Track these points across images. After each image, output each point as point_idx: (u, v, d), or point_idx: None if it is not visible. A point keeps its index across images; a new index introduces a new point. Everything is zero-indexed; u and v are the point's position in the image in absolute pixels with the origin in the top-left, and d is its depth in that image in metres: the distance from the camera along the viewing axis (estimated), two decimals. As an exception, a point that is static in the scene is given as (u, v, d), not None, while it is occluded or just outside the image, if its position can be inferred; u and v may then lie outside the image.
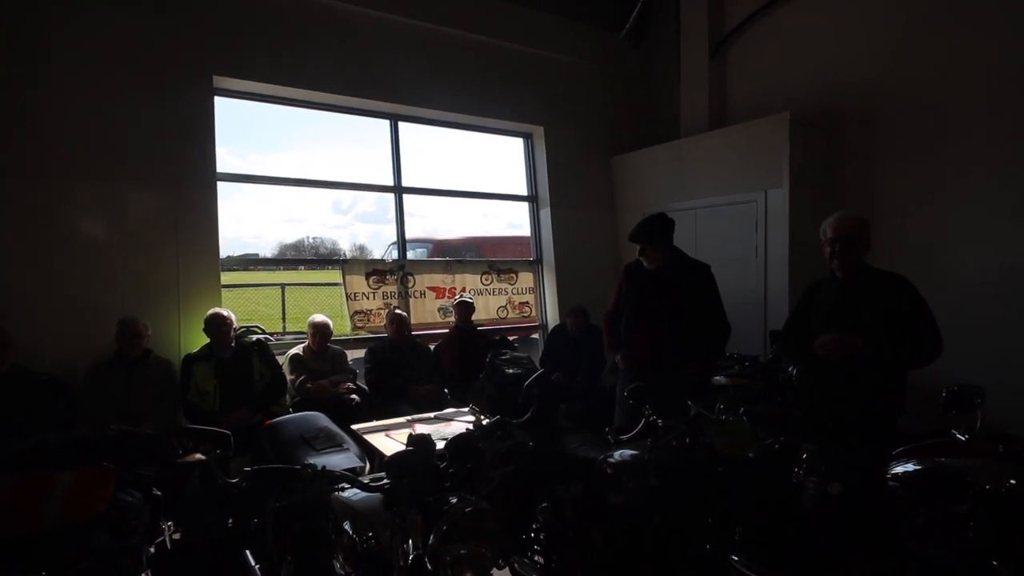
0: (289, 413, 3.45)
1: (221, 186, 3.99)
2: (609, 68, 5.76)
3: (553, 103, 5.41)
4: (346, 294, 4.54)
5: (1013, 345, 3.52)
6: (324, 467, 1.42)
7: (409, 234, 5.09)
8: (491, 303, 5.22)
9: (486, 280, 5.20)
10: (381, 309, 4.61)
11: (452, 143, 5.54)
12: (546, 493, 2.32)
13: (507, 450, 2.11)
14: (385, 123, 4.85)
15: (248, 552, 2.11)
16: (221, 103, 4.06)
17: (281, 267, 6.65)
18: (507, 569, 2.31)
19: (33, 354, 3.14)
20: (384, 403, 3.78)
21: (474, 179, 6.12)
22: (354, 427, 3.02)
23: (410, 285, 4.80)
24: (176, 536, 2.55)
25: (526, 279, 5.45)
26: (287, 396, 3.71)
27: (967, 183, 3.78)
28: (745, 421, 1.92)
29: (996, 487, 1.64)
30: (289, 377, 3.75)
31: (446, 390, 4.08)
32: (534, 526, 2.36)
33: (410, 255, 5.45)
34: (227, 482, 1.36)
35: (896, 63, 4.11)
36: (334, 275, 4.66)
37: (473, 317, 4.57)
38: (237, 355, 3.49)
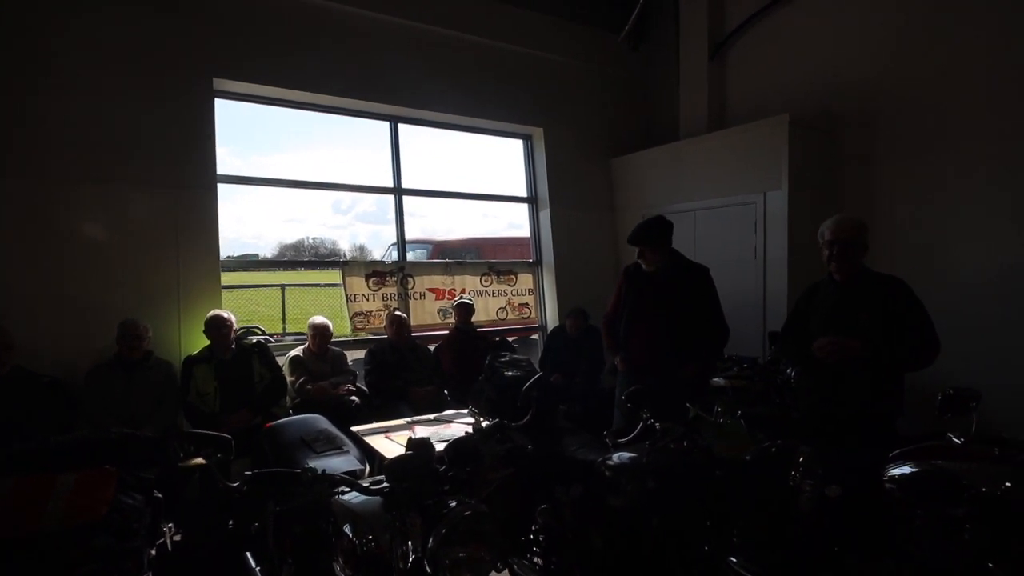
0: (289, 415, 3.46)
1: (221, 186, 4.00)
2: (608, 70, 5.77)
3: (552, 104, 5.42)
4: (346, 296, 4.55)
5: (1012, 346, 3.53)
6: (324, 471, 1.43)
7: (409, 235, 5.10)
8: (491, 304, 5.23)
9: (486, 281, 5.22)
10: (381, 311, 4.62)
11: (452, 144, 5.56)
12: (545, 495, 2.33)
13: (506, 453, 2.12)
14: (385, 125, 4.86)
15: (249, 554, 2.12)
16: (222, 104, 4.07)
17: (281, 268, 6.67)
18: (506, 571, 2.32)
19: (34, 355, 3.15)
20: (384, 405, 3.80)
21: (474, 180, 6.14)
22: (354, 429, 3.04)
23: (410, 287, 4.81)
24: (177, 538, 2.56)
25: (525, 280, 5.46)
26: (287, 398, 3.72)
27: (966, 184, 3.79)
28: (743, 424, 1.93)
29: (992, 490, 1.65)
30: (289, 379, 3.76)
31: (446, 391, 4.10)
32: (533, 528, 2.37)
33: (410, 256, 5.46)
34: (228, 486, 1.37)
35: (895, 65, 4.12)
36: (334, 276, 4.66)
37: (473, 318, 4.59)
38: (237, 357, 3.50)
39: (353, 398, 3.73)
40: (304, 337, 4.06)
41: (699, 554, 1.79)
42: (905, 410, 2.41)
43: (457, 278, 5.08)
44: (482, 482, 2.22)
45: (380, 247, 6.26)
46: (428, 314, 4.90)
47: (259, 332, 4.19)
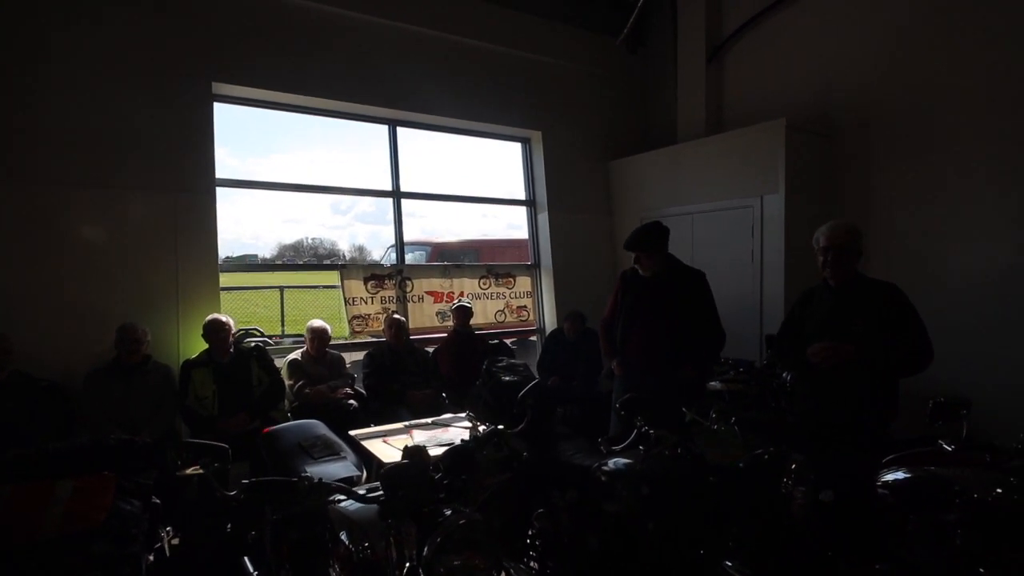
0: (288, 418, 3.48)
1: (220, 188, 4.01)
2: (606, 73, 5.79)
3: (551, 108, 5.44)
4: (344, 299, 4.56)
5: (1007, 351, 3.55)
6: (320, 479, 1.44)
7: (408, 235, 5.11)
8: (489, 307, 5.24)
9: (484, 284, 5.23)
10: (379, 314, 4.63)
11: (450, 147, 5.57)
12: (542, 500, 2.34)
13: (503, 459, 2.14)
14: (383, 128, 4.87)
15: (247, 559, 2.13)
16: (221, 104, 4.08)
17: (280, 268, 6.68)
18: (503, 574, 2.34)
19: (32, 360, 3.16)
20: (382, 408, 3.81)
21: (472, 183, 6.14)
22: (352, 433, 3.05)
23: (408, 290, 4.82)
24: (176, 541, 2.57)
25: (524, 283, 5.47)
26: (285, 401, 3.73)
27: (963, 188, 3.81)
28: (737, 431, 1.94)
29: (983, 496, 1.67)
30: (287, 382, 3.77)
31: (444, 394, 4.11)
32: (530, 532, 2.39)
33: (409, 258, 5.47)
34: (225, 495, 1.38)
35: (892, 69, 4.14)
36: (333, 277, 4.68)
37: (471, 321, 4.60)
38: (236, 360, 3.51)
39: (351, 402, 3.74)
40: (302, 339, 4.07)
41: (694, 558, 1.81)
42: (899, 415, 2.42)
43: (455, 281, 5.09)
44: (479, 487, 2.24)
45: (379, 247, 6.28)
46: (426, 317, 4.91)
47: (258, 334, 4.20)
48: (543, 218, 5.46)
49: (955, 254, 3.84)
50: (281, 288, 7.43)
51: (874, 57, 4.23)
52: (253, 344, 3.78)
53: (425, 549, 1.29)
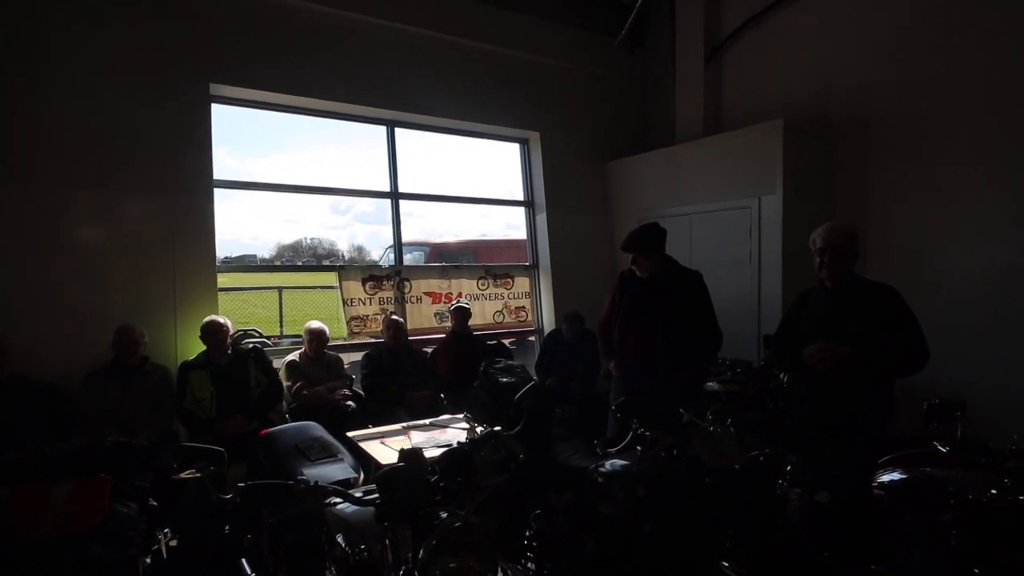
0: (286, 419, 3.48)
1: (218, 188, 4.01)
2: (605, 74, 5.79)
3: (549, 108, 5.44)
4: (342, 300, 4.56)
5: (1002, 352, 3.56)
6: (316, 482, 1.45)
7: (407, 236, 5.11)
8: (487, 308, 5.25)
9: (482, 285, 5.23)
10: (378, 315, 4.64)
11: (449, 147, 5.57)
12: (539, 501, 2.35)
13: (500, 460, 2.14)
14: (382, 129, 4.87)
15: (244, 561, 2.14)
16: (219, 105, 4.08)
17: (278, 268, 6.68)
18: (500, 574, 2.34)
19: (30, 362, 3.16)
20: (381, 408, 3.82)
21: (471, 183, 6.15)
22: (349, 434, 3.06)
23: (406, 290, 4.83)
24: (173, 543, 2.57)
25: (522, 284, 5.48)
26: (283, 403, 3.73)
27: (960, 189, 3.81)
28: (732, 432, 1.95)
29: (978, 497, 1.68)
30: (286, 384, 3.77)
31: (442, 395, 4.11)
32: (527, 533, 2.39)
33: (407, 258, 5.47)
34: (221, 499, 1.39)
35: (890, 70, 4.14)
36: (331, 278, 4.68)
37: (469, 322, 4.60)
38: (233, 362, 3.51)
39: (349, 403, 3.74)
40: (301, 340, 4.07)
41: (690, 559, 1.81)
42: (895, 416, 2.43)
43: (454, 282, 5.09)
44: (476, 489, 2.24)
45: (378, 248, 6.28)
46: (425, 318, 4.91)
47: (256, 335, 4.20)
48: (541, 219, 5.46)
49: (952, 255, 3.84)
50: (280, 289, 7.44)
51: (872, 58, 4.24)
52: (251, 345, 3.78)
53: (421, 551, 1.29)
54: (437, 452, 1.73)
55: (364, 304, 4.64)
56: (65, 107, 3.47)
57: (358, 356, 4.35)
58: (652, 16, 5.77)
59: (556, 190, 5.44)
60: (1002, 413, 3.22)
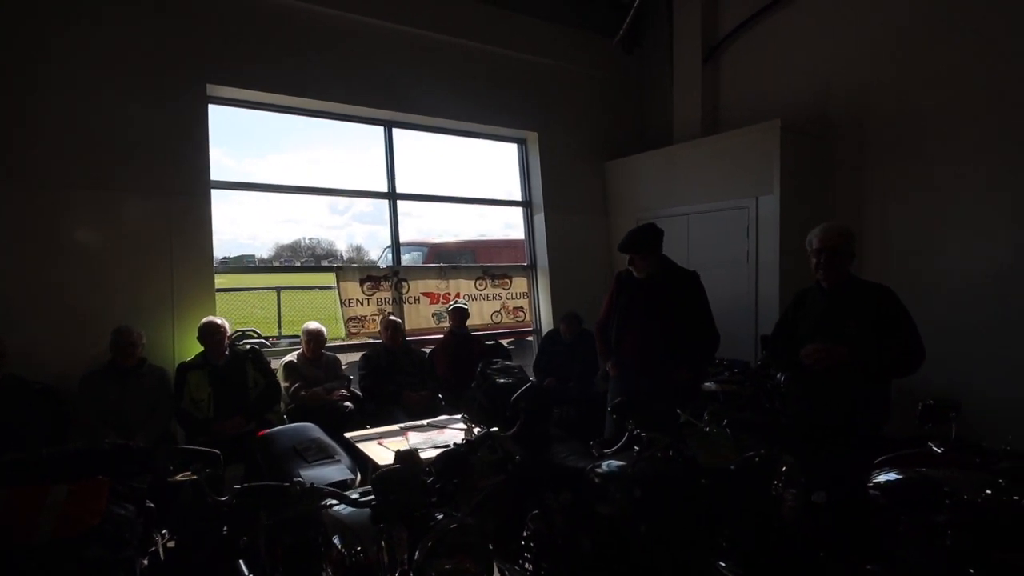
0: (284, 420, 3.48)
1: (216, 189, 4.00)
2: (603, 73, 5.79)
3: (547, 108, 5.44)
4: (340, 300, 4.56)
5: (1001, 352, 3.56)
6: (312, 484, 1.45)
7: (406, 236, 5.11)
8: (485, 308, 5.25)
9: (480, 285, 5.23)
10: (376, 315, 4.64)
11: (447, 147, 5.57)
12: (536, 502, 2.35)
13: (497, 461, 2.15)
14: (379, 129, 4.87)
15: (242, 562, 2.14)
16: (217, 105, 4.08)
17: (278, 262, 6.68)
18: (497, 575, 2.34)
19: (27, 363, 3.16)
20: (378, 409, 3.82)
21: (469, 183, 6.15)
22: (347, 435, 3.06)
23: (404, 291, 4.83)
24: (171, 544, 2.58)
25: (520, 284, 5.48)
26: (281, 404, 3.73)
27: (957, 189, 3.82)
28: (728, 433, 1.95)
29: (973, 497, 1.69)
30: (283, 384, 3.77)
31: (440, 396, 4.12)
32: (524, 533, 2.40)
33: (406, 259, 5.47)
34: (217, 501, 1.39)
35: (887, 70, 4.15)
36: (330, 278, 4.68)
37: (468, 323, 4.60)
38: (231, 363, 3.51)
39: (347, 403, 3.74)
40: (299, 340, 4.07)
41: (686, 559, 1.82)
42: (892, 416, 2.43)
43: (452, 282, 5.10)
44: (474, 490, 2.25)
45: (377, 248, 6.29)
46: (423, 318, 4.91)
47: (254, 335, 4.20)
48: (539, 219, 5.47)
49: (950, 255, 3.85)
50: (278, 289, 7.42)
51: (869, 58, 4.24)
52: (248, 346, 3.78)
53: (416, 553, 1.29)
54: (435, 453, 1.73)
55: (362, 305, 4.64)
56: (62, 107, 3.47)
57: (356, 357, 4.36)
58: (650, 16, 5.77)
59: (554, 190, 5.44)
60: (1000, 413, 3.23)
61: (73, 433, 3.09)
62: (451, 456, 1.60)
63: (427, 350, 4.48)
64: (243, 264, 5.97)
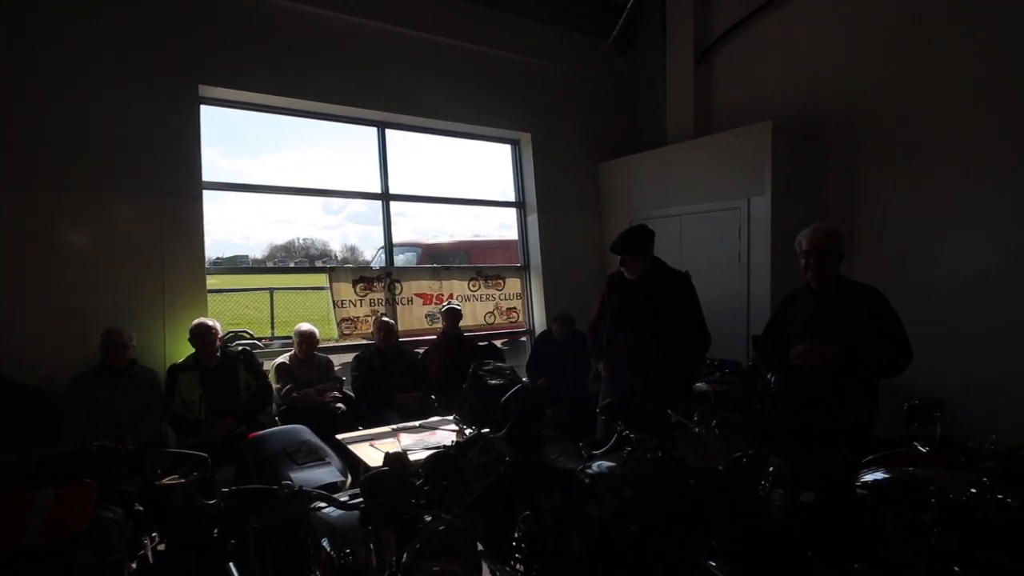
0: (275, 422, 3.47)
1: (207, 190, 3.99)
2: (596, 75, 5.81)
3: (540, 110, 5.45)
4: (333, 301, 4.55)
5: (990, 352, 3.60)
6: (301, 486, 1.45)
7: (399, 236, 5.10)
8: (478, 309, 5.25)
9: (473, 286, 5.24)
10: (368, 316, 4.63)
11: (440, 148, 5.57)
12: (527, 503, 2.35)
13: (488, 462, 2.15)
14: (372, 130, 4.87)
15: (232, 565, 2.13)
16: (208, 107, 4.06)
17: (272, 263, 6.65)
18: (489, 576, 2.34)
19: (16, 365, 3.14)
20: (371, 410, 3.81)
21: (462, 184, 6.15)
22: (339, 437, 3.05)
23: (397, 292, 4.82)
24: (161, 547, 2.56)
25: (513, 285, 5.48)
26: (273, 405, 3.72)
27: (947, 190, 3.86)
28: (717, 434, 1.96)
29: (959, 496, 1.71)
30: (275, 386, 3.76)
31: (433, 397, 4.11)
32: (515, 534, 2.40)
33: (399, 259, 5.47)
34: (204, 504, 1.39)
35: (879, 72, 4.18)
36: (323, 279, 4.67)
37: (460, 323, 4.60)
38: (223, 364, 3.50)
39: (339, 405, 3.73)
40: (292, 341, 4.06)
41: (676, 559, 1.83)
42: (880, 416, 2.45)
43: (444, 283, 5.09)
44: (464, 491, 2.25)
45: (371, 248, 6.26)
46: (416, 319, 4.91)
47: (247, 336, 4.19)
48: (532, 220, 5.47)
49: (940, 256, 3.88)
50: (271, 290, 7.39)
51: (861, 60, 4.27)
52: (240, 348, 3.76)
53: (405, 555, 1.30)
54: (426, 454, 1.73)
55: (355, 306, 4.63)
56: (53, 108, 3.45)
57: (349, 358, 4.34)
58: (643, 18, 5.79)
59: (547, 191, 5.45)
60: (990, 413, 3.27)
61: (63, 435, 3.07)
62: (440, 458, 1.60)
63: (420, 351, 4.48)
64: (236, 265, 5.94)
